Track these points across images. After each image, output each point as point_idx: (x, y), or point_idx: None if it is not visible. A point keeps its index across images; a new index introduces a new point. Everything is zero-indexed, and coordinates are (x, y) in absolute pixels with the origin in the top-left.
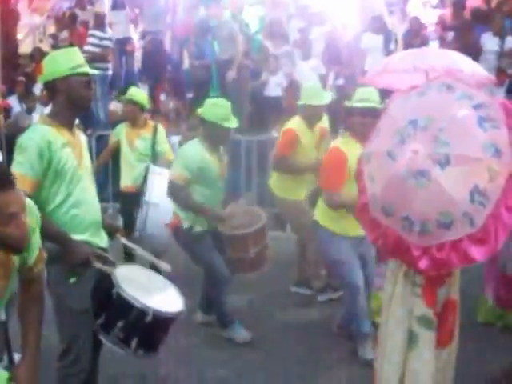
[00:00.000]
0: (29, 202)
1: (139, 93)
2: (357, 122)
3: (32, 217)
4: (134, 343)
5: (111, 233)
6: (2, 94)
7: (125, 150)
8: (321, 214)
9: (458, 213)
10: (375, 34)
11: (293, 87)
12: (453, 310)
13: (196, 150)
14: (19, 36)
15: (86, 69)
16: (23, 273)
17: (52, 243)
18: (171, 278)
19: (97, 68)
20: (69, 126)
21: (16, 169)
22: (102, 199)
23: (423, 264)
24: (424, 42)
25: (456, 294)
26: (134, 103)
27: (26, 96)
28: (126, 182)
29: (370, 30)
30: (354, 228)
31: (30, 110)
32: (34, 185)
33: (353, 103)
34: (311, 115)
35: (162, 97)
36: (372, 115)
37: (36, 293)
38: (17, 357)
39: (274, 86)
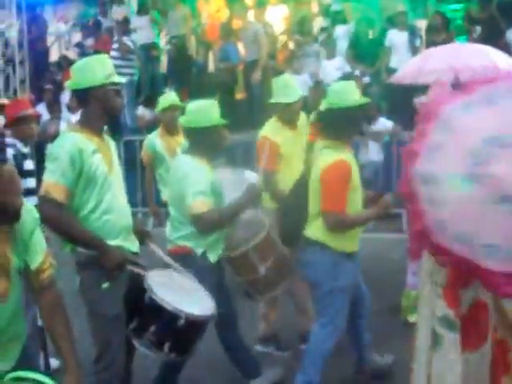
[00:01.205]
0: (25, 203)
1: (176, 97)
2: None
3: (30, 218)
4: (166, 347)
5: (141, 238)
6: (32, 103)
7: (166, 161)
8: (320, 230)
9: None
10: (400, 31)
11: (318, 87)
12: (483, 312)
13: (200, 170)
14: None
15: (118, 78)
16: (31, 280)
17: (86, 249)
18: None
19: (123, 74)
20: (98, 133)
21: (48, 177)
22: (131, 204)
23: (509, 289)
24: (449, 38)
25: (486, 296)
26: (175, 109)
27: (54, 104)
28: None
29: (394, 26)
30: (355, 243)
31: (57, 118)
32: (66, 192)
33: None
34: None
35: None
36: None
37: (53, 301)
38: (53, 362)
39: (300, 86)
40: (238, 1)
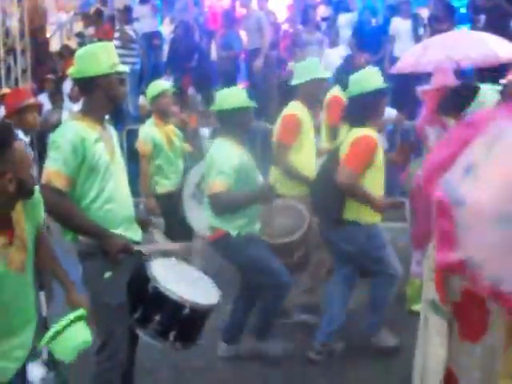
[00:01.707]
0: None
1: (165, 83)
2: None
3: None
4: (171, 336)
5: (144, 227)
6: (34, 93)
7: (165, 149)
8: (354, 210)
9: None
10: (403, 19)
11: None
12: (474, 300)
13: (226, 151)
14: (47, 34)
15: (122, 67)
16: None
17: (87, 237)
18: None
19: (125, 63)
20: (100, 122)
21: (50, 165)
22: (133, 194)
23: None
24: (452, 27)
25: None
26: (166, 95)
27: (56, 94)
28: (173, 181)
29: (398, 14)
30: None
31: (59, 108)
32: (68, 181)
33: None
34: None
35: (190, 90)
36: None
37: (48, 247)
38: None
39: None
40: None
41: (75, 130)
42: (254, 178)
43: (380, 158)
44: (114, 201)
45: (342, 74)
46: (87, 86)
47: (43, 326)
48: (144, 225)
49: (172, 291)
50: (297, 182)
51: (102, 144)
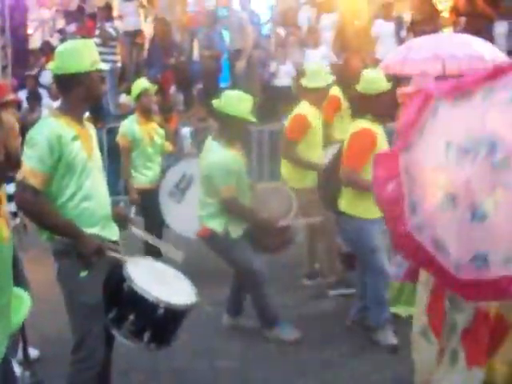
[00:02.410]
0: None
1: (147, 82)
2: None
3: None
4: (146, 337)
5: (122, 223)
6: (13, 89)
7: (144, 145)
8: (347, 202)
9: None
10: (386, 21)
11: (302, 76)
12: (485, 324)
13: (226, 156)
14: (29, 31)
15: (102, 65)
16: None
17: (62, 236)
18: (186, 270)
19: (105, 61)
20: (79, 119)
21: (26, 163)
22: (113, 192)
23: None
24: (437, 29)
25: (487, 306)
26: (147, 94)
27: (35, 91)
28: (150, 179)
29: (380, 16)
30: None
31: (38, 106)
32: (43, 179)
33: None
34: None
35: (172, 89)
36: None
37: None
38: (32, 352)
39: (284, 76)
40: None
41: (52, 128)
42: (245, 181)
43: (381, 149)
44: (91, 199)
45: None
46: (67, 83)
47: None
48: (123, 221)
49: (146, 291)
50: (305, 174)
51: (80, 142)
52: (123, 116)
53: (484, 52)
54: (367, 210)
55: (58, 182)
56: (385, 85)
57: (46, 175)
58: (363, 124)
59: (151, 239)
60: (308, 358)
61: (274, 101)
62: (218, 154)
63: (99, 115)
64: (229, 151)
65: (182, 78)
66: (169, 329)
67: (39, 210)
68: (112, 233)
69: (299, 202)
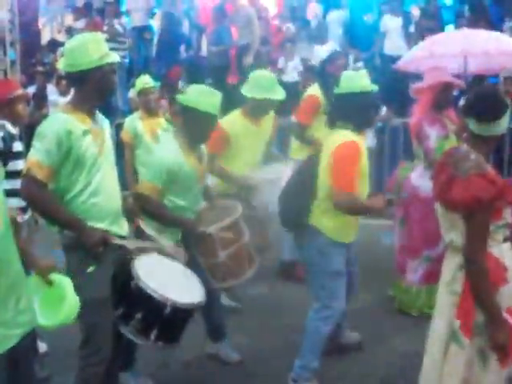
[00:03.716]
0: None
1: (149, 79)
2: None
3: None
4: (153, 335)
5: (131, 217)
6: (23, 85)
7: (146, 143)
8: (318, 217)
9: None
10: (394, 16)
11: (309, 72)
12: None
13: (167, 152)
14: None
15: (114, 58)
16: None
17: (65, 229)
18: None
19: None
20: (90, 114)
21: (33, 155)
22: (122, 187)
23: None
24: (440, 25)
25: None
26: (148, 92)
27: (44, 87)
28: None
29: (388, 12)
30: (352, 233)
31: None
32: (49, 172)
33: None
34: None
35: (180, 84)
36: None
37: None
38: (41, 345)
39: (291, 71)
40: None
41: (62, 122)
42: (192, 194)
43: (363, 164)
44: (100, 194)
45: (323, 73)
46: (78, 80)
47: None
48: (132, 215)
49: (154, 290)
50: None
51: (91, 136)
52: (132, 112)
53: None
54: (339, 233)
55: (67, 177)
56: (365, 84)
57: (52, 169)
58: (344, 135)
59: (157, 237)
60: None
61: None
62: (160, 149)
63: (108, 110)
64: (178, 151)
65: (191, 74)
66: (176, 327)
67: (43, 202)
68: (121, 228)
69: None
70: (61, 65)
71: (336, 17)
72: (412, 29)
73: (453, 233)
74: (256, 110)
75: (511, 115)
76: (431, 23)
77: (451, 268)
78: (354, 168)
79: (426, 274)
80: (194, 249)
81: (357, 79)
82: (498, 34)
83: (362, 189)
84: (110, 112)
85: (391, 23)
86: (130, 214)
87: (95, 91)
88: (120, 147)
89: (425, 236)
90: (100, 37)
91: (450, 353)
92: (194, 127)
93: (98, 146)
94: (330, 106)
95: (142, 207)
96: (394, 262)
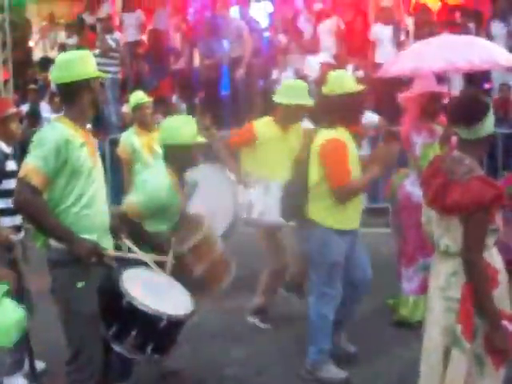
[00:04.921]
0: None
1: (143, 95)
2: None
3: None
4: (149, 349)
5: (116, 234)
6: (15, 103)
7: (144, 158)
8: (316, 210)
9: None
10: (384, 25)
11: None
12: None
13: (161, 185)
14: (30, 43)
15: (102, 74)
16: None
17: (54, 239)
18: None
19: (107, 72)
20: (84, 127)
21: (30, 161)
22: (116, 203)
23: None
24: (434, 32)
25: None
26: (143, 107)
27: (36, 104)
28: None
29: (379, 20)
30: (354, 219)
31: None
32: (44, 179)
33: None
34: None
35: (174, 98)
36: None
37: None
38: (38, 365)
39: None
40: None
41: (61, 131)
42: (173, 221)
43: (352, 155)
44: (92, 207)
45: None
46: (72, 91)
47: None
48: (117, 231)
49: (147, 306)
50: None
51: (87, 149)
52: (125, 126)
53: (498, 56)
54: (338, 220)
55: (63, 188)
56: (351, 85)
57: (48, 176)
58: (328, 134)
59: (139, 252)
60: None
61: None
62: (154, 179)
63: (101, 126)
64: (169, 183)
65: (184, 87)
66: (170, 339)
67: (36, 209)
68: (108, 243)
69: None
70: (52, 76)
71: (326, 27)
72: (403, 37)
73: (447, 238)
74: (287, 116)
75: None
76: (424, 31)
77: (444, 273)
78: (344, 162)
79: (422, 284)
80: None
81: (341, 80)
82: (486, 42)
83: (356, 173)
84: (103, 127)
85: (381, 32)
86: (114, 230)
87: (87, 104)
88: (113, 162)
89: (420, 244)
90: (89, 53)
91: (452, 359)
92: (180, 160)
93: (93, 158)
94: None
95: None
96: (394, 270)
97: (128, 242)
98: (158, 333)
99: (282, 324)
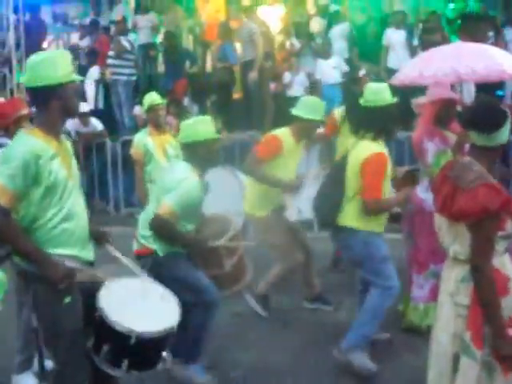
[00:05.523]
0: None
1: (157, 96)
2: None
3: None
4: (124, 365)
5: (98, 239)
6: (28, 103)
7: (157, 159)
8: (351, 217)
9: None
10: (397, 30)
11: (315, 86)
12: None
13: (194, 187)
14: (44, 45)
15: (77, 76)
16: None
17: (28, 261)
18: None
19: (120, 74)
20: (56, 135)
21: None
22: (128, 204)
23: None
24: (445, 38)
25: None
26: (156, 109)
27: None
28: None
29: (391, 25)
30: (383, 223)
31: None
32: (12, 197)
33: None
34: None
35: (186, 101)
36: None
37: None
38: (48, 363)
39: (296, 86)
40: (236, 1)
41: (30, 146)
42: (199, 209)
43: (389, 169)
44: (71, 219)
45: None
46: (41, 96)
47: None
48: (99, 237)
49: (117, 322)
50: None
51: (59, 160)
52: (138, 128)
53: (503, 62)
54: (373, 224)
55: (38, 204)
56: (389, 97)
57: (16, 193)
58: (372, 147)
59: (125, 259)
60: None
61: (287, 112)
62: (189, 183)
63: (114, 127)
64: (198, 184)
65: (196, 90)
66: (147, 356)
67: (4, 229)
68: (89, 253)
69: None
70: (23, 79)
71: (339, 31)
72: (416, 42)
73: (456, 244)
74: (304, 130)
75: None
76: (435, 37)
77: (454, 279)
78: (382, 178)
79: (433, 291)
80: (197, 262)
81: (380, 92)
82: (492, 48)
83: (387, 188)
84: (115, 128)
85: (394, 37)
86: (98, 237)
87: (59, 110)
88: (125, 164)
89: (432, 250)
90: (67, 54)
91: (461, 366)
92: (201, 157)
93: (67, 168)
94: (354, 115)
95: (157, 228)
96: (405, 276)
97: (110, 248)
98: (131, 350)
99: (291, 329)
